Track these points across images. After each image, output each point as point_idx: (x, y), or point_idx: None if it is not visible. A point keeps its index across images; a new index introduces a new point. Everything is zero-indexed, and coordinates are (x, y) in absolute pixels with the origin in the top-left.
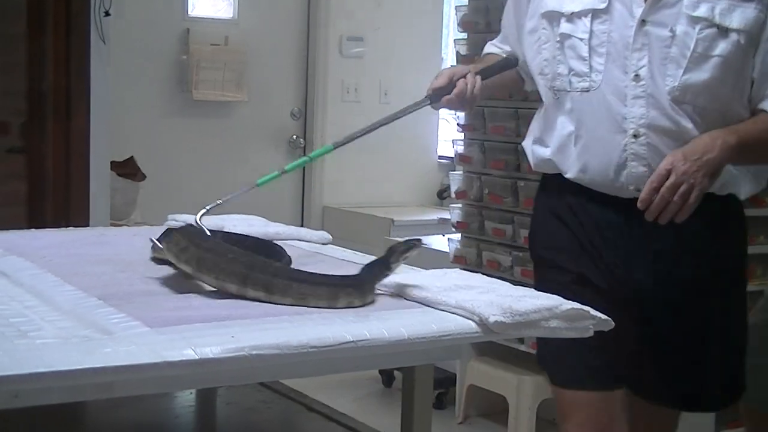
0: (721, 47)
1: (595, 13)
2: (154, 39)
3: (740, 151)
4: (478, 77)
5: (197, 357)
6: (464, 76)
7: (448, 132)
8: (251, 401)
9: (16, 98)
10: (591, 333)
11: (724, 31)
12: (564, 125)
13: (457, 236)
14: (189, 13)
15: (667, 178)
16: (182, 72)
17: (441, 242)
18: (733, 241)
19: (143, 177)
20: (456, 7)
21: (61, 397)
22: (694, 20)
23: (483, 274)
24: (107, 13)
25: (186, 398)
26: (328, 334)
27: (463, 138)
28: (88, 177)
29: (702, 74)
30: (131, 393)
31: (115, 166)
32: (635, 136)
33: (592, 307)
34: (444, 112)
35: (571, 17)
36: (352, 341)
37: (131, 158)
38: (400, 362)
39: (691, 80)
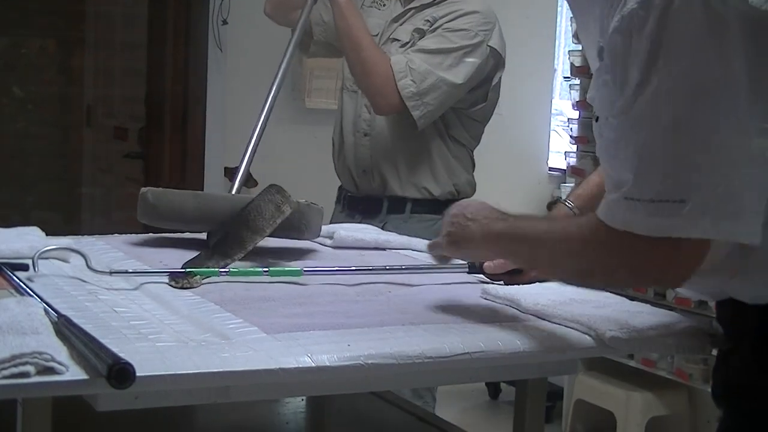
0: None
1: None
2: (269, 47)
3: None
4: None
5: (313, 364)
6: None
7: (559, 144)
8: (362, 410)
9: (136, 105)
10: (708, 352)
11: None
12: None
13: None
14: None
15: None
16: (296, 80)
17: None
18: None
19: (255, 183)
20: (570, 17)
21: (178, 400)
22: None
23: None
24: (225, 22)
25: (297, 404)
26: (444, 345)
27: (575, 150)
28: (203, 182)
29: None
30: (247, 398)
31: (228, 172)
32: None
33: None
34: (555, 123)
35: None
36: (467, 353)
37: None
38: (513, 375)
39: None
